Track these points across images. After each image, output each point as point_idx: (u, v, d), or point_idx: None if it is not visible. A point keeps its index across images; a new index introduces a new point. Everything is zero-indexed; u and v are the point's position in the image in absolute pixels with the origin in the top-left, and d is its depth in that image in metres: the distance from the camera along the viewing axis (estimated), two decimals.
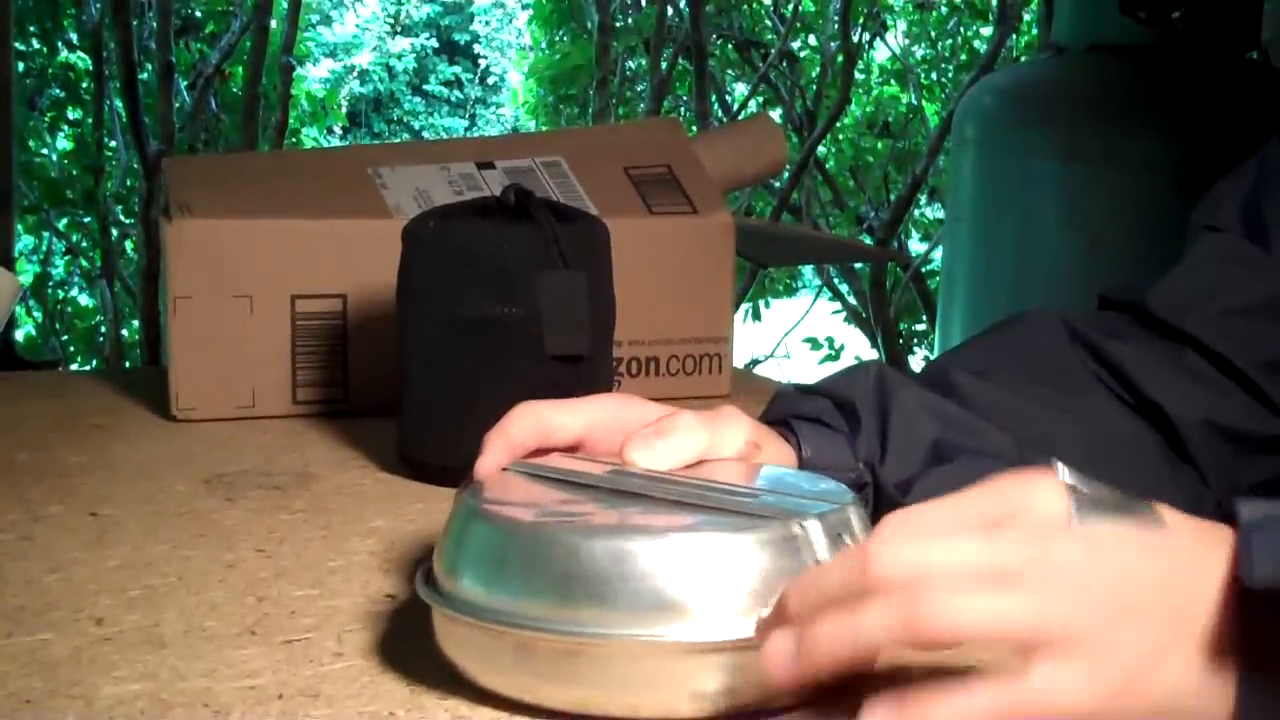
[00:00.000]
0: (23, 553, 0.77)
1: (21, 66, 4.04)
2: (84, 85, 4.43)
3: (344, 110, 9.59)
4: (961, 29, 5.33)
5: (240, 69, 4.21)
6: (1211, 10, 2.48)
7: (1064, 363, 0.77)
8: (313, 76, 10.09)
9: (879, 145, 5.33)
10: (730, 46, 5.10)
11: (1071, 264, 2.48)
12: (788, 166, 3.33)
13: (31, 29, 4.19)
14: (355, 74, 13.12)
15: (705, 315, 1.18)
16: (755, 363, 4.63)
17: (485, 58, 13.80)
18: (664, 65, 4.42)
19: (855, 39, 4.55)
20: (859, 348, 4.74)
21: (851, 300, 4.80)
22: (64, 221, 4.38)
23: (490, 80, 13.73)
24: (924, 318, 4.72)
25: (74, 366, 4.30)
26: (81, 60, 4.41)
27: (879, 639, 0.47)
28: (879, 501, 0.71)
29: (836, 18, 4.54)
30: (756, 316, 4.82)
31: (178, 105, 3.86)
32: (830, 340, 4.67)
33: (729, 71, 5.34)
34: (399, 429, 0.95)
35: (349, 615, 0.67)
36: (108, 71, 3.87)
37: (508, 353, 0.89)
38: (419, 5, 14.00)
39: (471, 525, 0.58)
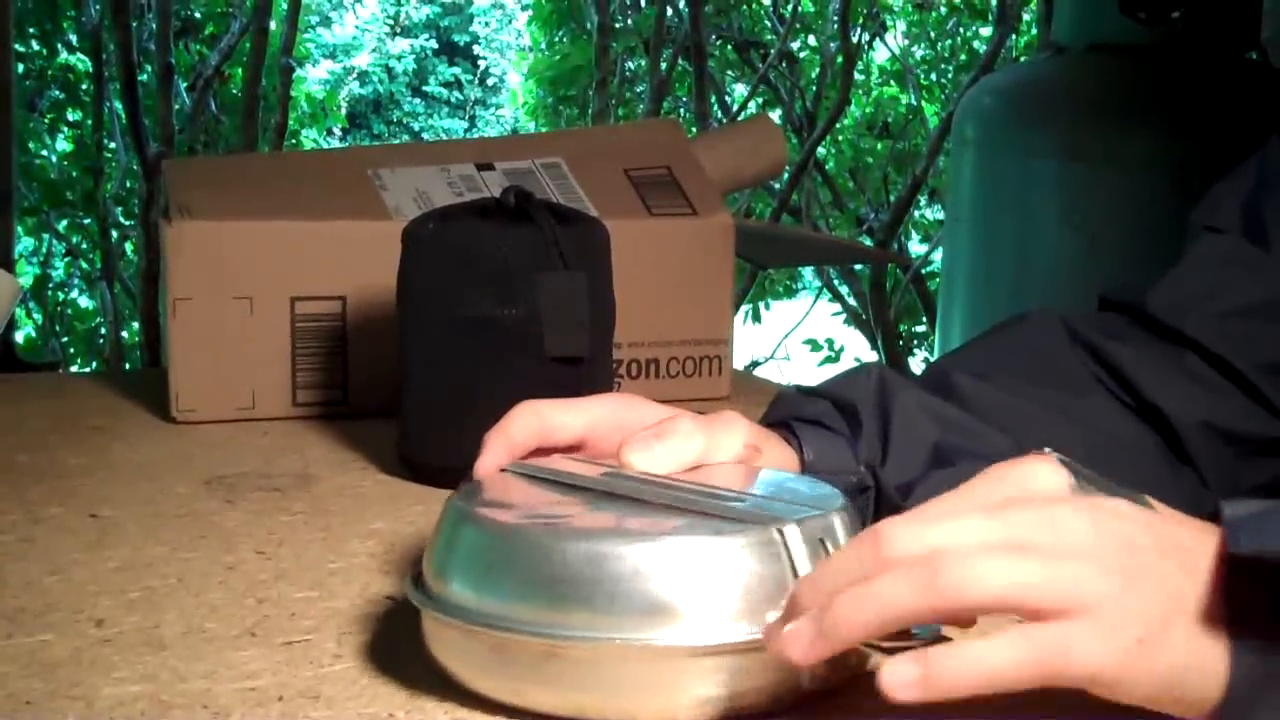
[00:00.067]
0: (23, 554, 0.77)
1: (21, 68, 4.04)
2: (84, 87, 4.43)
3: (343, 112, 9.60)
4: (961, 29, 5.33)
5: (240, 70, 4.21)
6: (1211, 10, 2.48)
7: (1064, 364, 0.77)
8: (312, 78, 10.10)
9: (879, 146, 5.33)
10: (730, 47, 5.10)
11: (1071, 264, 2.48)
12: (787, 167, 3.33)
13: (31, 30, 4.19)
14: (355, 75, 13.13)
15: (705, 317, 1.18)
16: (755, 364, 4.63)
17: (485, 59, 13.81)
18: (663, 66, 4.41)
19: (855, 39, 4.55)
20: (859, 349, 4.74)
21: (851, 302, 4.81)
22: (64, 223, 4.38)
23: (490, 81, 13.74)
24: (924, 319, 4.72)
25: (74, 368, 4.30)
26: (81, 62, 4.41)
27: (900, 608, 0.47)
28: (879, 505, 0.71)
29: (836, 18, 4.54)
30: (756, 318, 4.82)
31: (177, 107, 3.86)
32: (830, 342, 4.67)
33: (728, 72, 5.34)
34: (399, 430, 0.95)
35: (349, 617, 0.67)
36: (107, 73, 3.87)
37: (508, 354, 0.89)
38: (418, 6, 14.01)
39: (458, 528, 0.58)
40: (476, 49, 14.03)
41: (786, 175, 4.24)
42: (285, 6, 4.07)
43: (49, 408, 1.15)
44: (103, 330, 4.32)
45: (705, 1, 4.15)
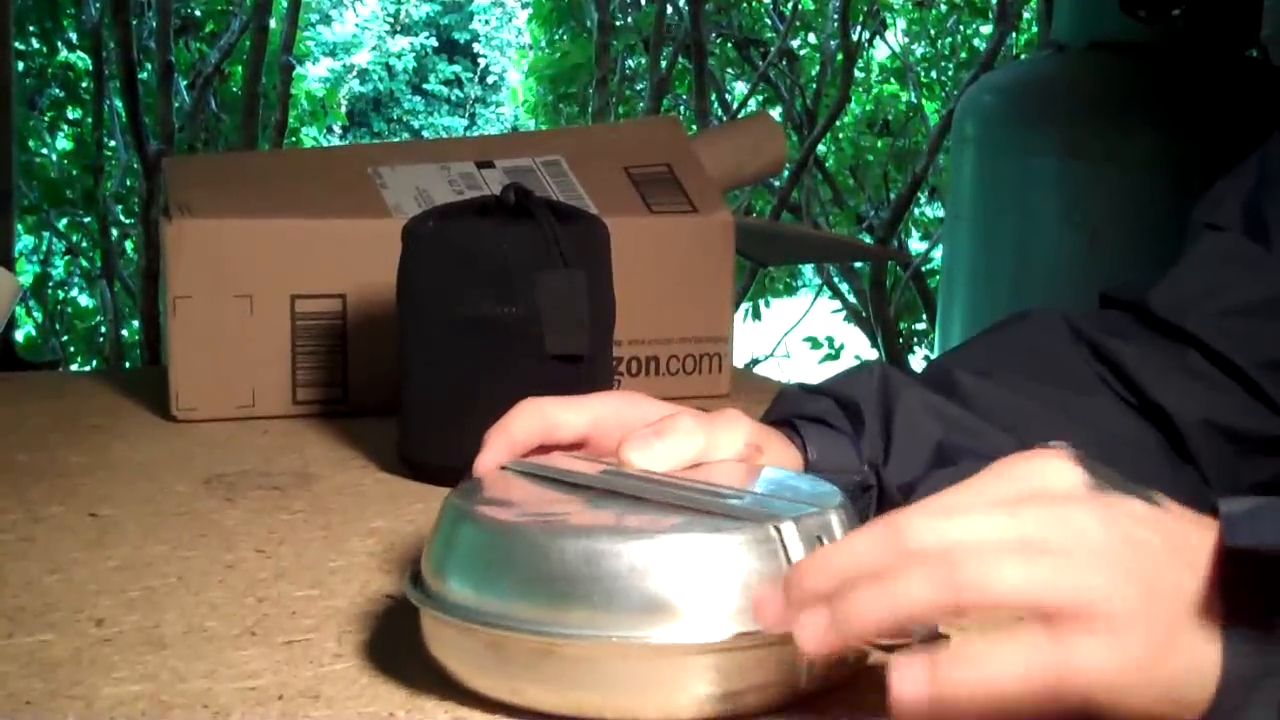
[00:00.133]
0: (23, 553, 0.76)
1: (21, 66, 4.04)
2: (84, 85, 4.43)
3: (344, 109, 9.59)
4: (961, 27, 5.33)
5: (240, 68, 4.21)
6: (1211, 8, 2.48)
7: (1066, 362, 0.77)
8: (312, 76, 10.09)
9: (879, 144, 5.33)
10: (730, 45, 5.10)
11: (1071, 262, 2.48)
12: (787, 165, 3.33)
13: (31, 29, 4.19)
14: (355, 73, 13.12)
15: (705, 314, 1.18)
16: (755, 362, 4.63)
17: (485, 57, 13.80)
18: (663, 64, 4.42)
19: (855, 37, 4.55)
20: (859, 347, 4.74)
21: (851, 299, 4.81)
22: (64, 221, 4.38)
23: (490, 79, 13.73)
24: (924, 317, 4.72)
25: (74, 367, 4.31)
26: (81, 60, 4.41)
27: (918, 606, 0.47)
28: (881, 504, 0.71)
29: (836, 16, 4.54)
30: (756, 316, 4.82)
31: (177, 105, 3.86)
32: (830, 339, 4.67)
33: (729, 70, 5.34)
34: (399, 429, 0.95)
35: (349, 616, 0.67)
36: (107, 71, 3.87)
37: (508, 353, 0.89)
38: (418, 4, 14.00)
39: (456, 526, 0.58)
40: (476, 47, 14.02)
41: (787, 173, 4.24)
42: (285, 4, 4.07)
43: (49, 406, 1.15)
44: (103, 329, 4.32)
45: None
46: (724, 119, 4.58)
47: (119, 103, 3.91)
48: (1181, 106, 2.42)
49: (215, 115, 4.33)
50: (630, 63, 5.38)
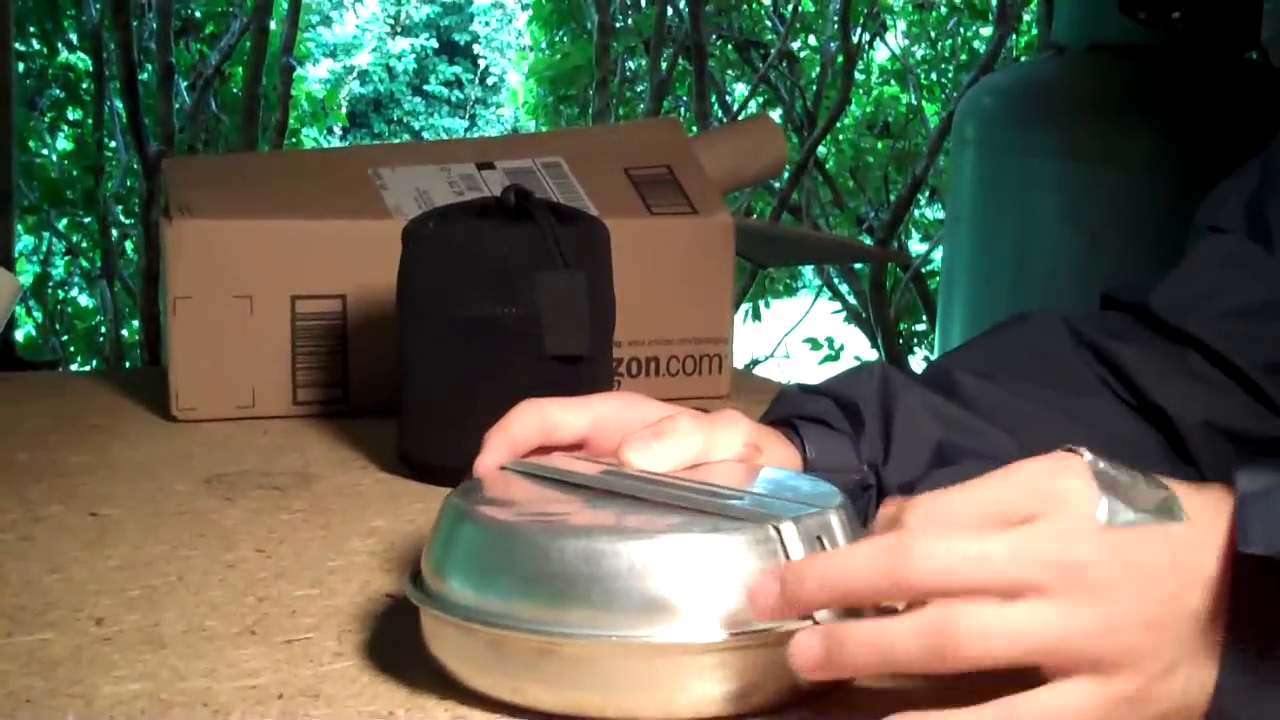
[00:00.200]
0: (23, 553, 0.77)
1: (21, 67, 4.04)
2: (84, 86, 4.43)
3: (344, 111, 9.58)
4: (961, 29, 5.33)
5: (240, 70, 4.21)
6: (1211, 10, 2.48)
7: (1067, 364, 0.77)
8: (313, 77, 10.10)
9: (879, 145, 5.32)
10: (730, 47, 5.10)
11: (1071, 263, 2.48)
12: (788, 167, 3.33)
13: (31, 29, 4.19)
14: (355, 74, 13.12)
15: (705, 315, 1.18)
16: (755, 363, 4.63)
17: (485, 58, 13.80)
18: (664, 65, 4.41)
19: (855, 39, 4.55)
20: (859, 348, 4.74)
21: (851, 300, 4.80)
22: (64, 222, 4.38)
23: (490, 81, 13.73)
24: (924, 318, 4.72)
25: (74, 367, 4.30)
26: (81, 61, 4.41)
27: (907, 664, 0.49)
28: (881, 505, 0.71)
29: (836, 18, 4.54)
30: (756, 317, 4.82)
31: (178, 106, 3.86)
32: (830, 340, 4.67)
33: (729, 72, 5.34)
34: (399, 429, 0.95)
35: (349, 615, 0.67)
36: (108, 72, 3.87)
37: (508, 353, 0.89)
38: (419, 6, 14.00)
39: (456, 525, 0.58)
40: (477, 48, 14.02)
41: (787, 174, 4.24)
42: (286, 6, 4.07)
43: (49, 406, 1.15)
44: (103, 329, 4.32)
45: (705, 1, 4.14)
46: (724, 121, 4.58)
47: (119, 103, 3.91)
48: (1181, 108, 2.42)
49: (215, 116, 4.33)
50: (630, 64, 5.39)
